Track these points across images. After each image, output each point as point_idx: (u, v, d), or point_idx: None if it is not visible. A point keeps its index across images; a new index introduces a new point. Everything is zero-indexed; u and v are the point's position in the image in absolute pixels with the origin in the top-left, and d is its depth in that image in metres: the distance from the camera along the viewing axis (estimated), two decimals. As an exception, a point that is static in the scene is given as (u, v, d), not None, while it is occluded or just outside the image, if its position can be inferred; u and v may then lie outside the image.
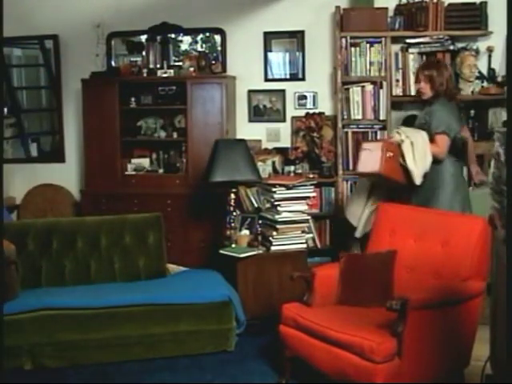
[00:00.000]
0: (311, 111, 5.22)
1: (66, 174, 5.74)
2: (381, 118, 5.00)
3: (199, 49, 5.56)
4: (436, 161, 4.04)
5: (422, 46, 4.93)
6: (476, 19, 4.86)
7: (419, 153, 3.98)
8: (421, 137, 4.03)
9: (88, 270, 4.24)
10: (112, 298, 3.87)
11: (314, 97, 5.32)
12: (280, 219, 4.37)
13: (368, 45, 4.97)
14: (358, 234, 4.37)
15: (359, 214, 4.34)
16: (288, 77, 5.38)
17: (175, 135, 5.35)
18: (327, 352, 3.18)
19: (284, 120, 5.39)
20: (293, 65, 5.39)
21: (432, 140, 4.05)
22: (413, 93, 4.98)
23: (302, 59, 5.34)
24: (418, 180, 3.98)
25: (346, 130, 5.07)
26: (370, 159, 4.02)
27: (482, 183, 4.38)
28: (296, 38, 5.33)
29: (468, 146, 4.39)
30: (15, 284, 3.88)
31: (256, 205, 4.92)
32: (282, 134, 5.39)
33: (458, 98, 4.35)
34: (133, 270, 4.29)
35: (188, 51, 5.54)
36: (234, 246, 4.48)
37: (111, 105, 5.24)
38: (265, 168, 5.13)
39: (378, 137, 5.03)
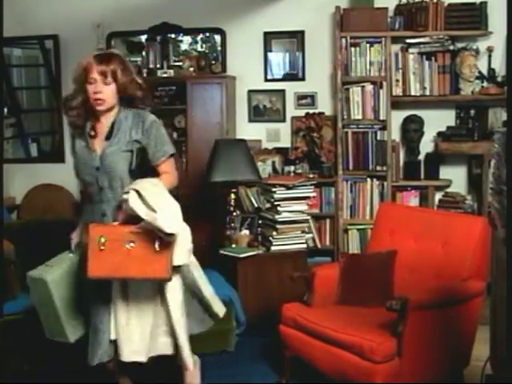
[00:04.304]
0: (311, 111, 5.22)
1: (66, 174, 5.68)
2: (381, 117, 5.00)
3: (199, 49, 5.56)
4: None
5: (421, 46, 4.93)
6: (476, 19, 4.86)
7: (154, 195, 2.68)
8: (147, 181, 2.77)
9: (88, 270, 4.22)
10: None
11: (313, 97, 5.32)
12: (280, 219, 4.37)
13: (368, 45, 4.96)
14: None
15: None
16: (288, 77, 5.38)
17: (175, 135, 5.34)
18: (327, 352, 3.18)
19: (284, 120, 5.39)
20: (293, 65, 5.38)
21: (157, 172, 2.87)
22: (413, 93, 4.99)
23: (302, 59, 5.34)
24: (168, 227, 2.62)
25: (345, 130, 5.07)
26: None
27: None
28: (296, 38, 5.33)
29: None
30: (14, 284, 3.88)
31: (256, 205, 4.92)
32: (281, 134, 5.39)
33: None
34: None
35: (188, 51, 5.54)
36: (234, 246, 4.48)
37: (111, 105, 5.23)
38: (265, 168, 5.13)
39: (379, 137, 5.03)
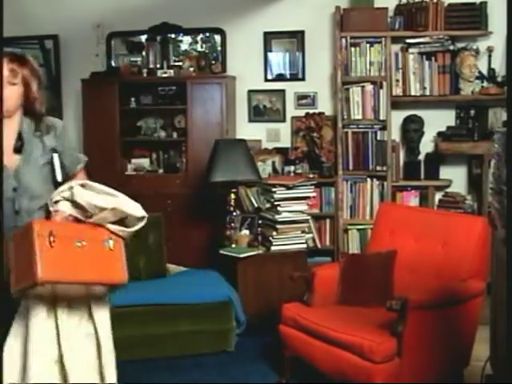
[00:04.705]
0: (311, 111, 5.22)
1: (66, 174, 5.73)
2: (381, 118, 4.99)
3: (199, 49, 5.56)
4: None
5: (421, 46, 4.93)
6: (476, 19, 4.86)
7: (100, 186, 2.38)
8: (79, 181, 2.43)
9: (88, 270, 4.22)
10: (112, 298, 3.86)
11: (313, 97, 5.32)
12: (280, 219, 4.37)
13: (368, 45, 4.96)
14: None
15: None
16: (288, 77, 5.38)
17: (175, 135, 5.35)
18: (327, 352, 3.18)
19: (284, 120, 5.39)
20: (293, 65, 5.38)
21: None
22: (413, 93, 4.98)
23: (302, 59, 5.34)
24: (136, 210, 2.36)
25: (345, 130, 5.06)
26: (22, 262, 2.16)
27: None
28: (296, 38, 5.33)
29: None
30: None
31: (256, 205, 4.92)
32: (281, 134, 5.39)
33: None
34: (133, 270, 4.25)
35: (188, 51, 5.54)
36: (233, 246, 4.48)
37: (111, 105, 5.23)
38: (265, 168, 5.13)
39: (379, 137, 5.03)
